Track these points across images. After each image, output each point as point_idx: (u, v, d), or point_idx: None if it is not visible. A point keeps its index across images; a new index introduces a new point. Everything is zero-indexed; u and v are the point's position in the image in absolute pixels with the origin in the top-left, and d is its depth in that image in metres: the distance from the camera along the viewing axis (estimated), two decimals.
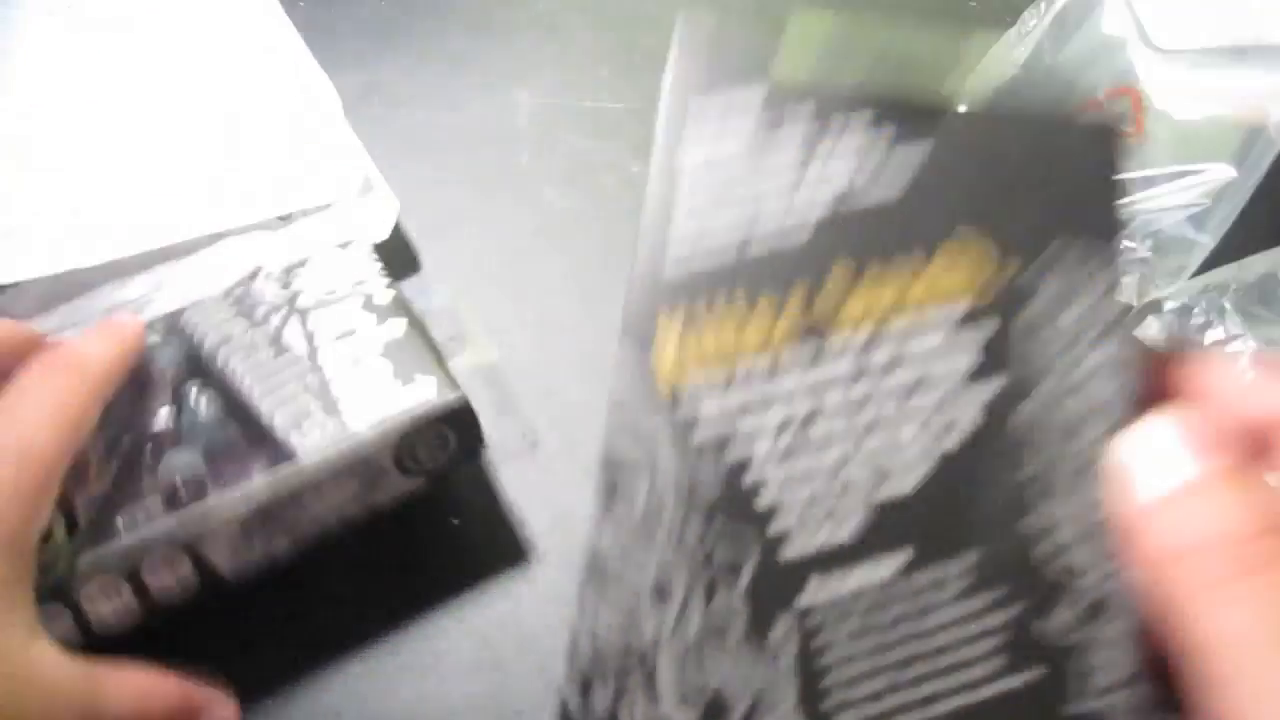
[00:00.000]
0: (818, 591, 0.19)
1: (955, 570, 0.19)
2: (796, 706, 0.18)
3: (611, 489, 0.20)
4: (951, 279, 0.20)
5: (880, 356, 0.20)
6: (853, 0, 0.34)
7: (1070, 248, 0.21)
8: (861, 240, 0.20)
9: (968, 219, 0.20)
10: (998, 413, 0.19)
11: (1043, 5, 0.50)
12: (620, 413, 0.21)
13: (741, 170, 0.21)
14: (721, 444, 0.20)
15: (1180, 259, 0.43)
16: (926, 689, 0.18)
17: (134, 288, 0.37)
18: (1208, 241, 0.43)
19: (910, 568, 0.19)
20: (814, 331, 0.20)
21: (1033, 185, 0.21)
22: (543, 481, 0.38)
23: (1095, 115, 0.25)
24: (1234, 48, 0.46)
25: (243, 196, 0.39)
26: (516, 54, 0.51)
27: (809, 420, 0.20)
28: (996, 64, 0.49)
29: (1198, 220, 0.43)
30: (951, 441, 0.19)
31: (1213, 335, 0.41)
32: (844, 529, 0.19)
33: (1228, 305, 0.42)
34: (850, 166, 0.21)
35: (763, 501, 0.19)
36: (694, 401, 0.20)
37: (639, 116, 0.49)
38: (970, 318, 0.20)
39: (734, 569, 0.19)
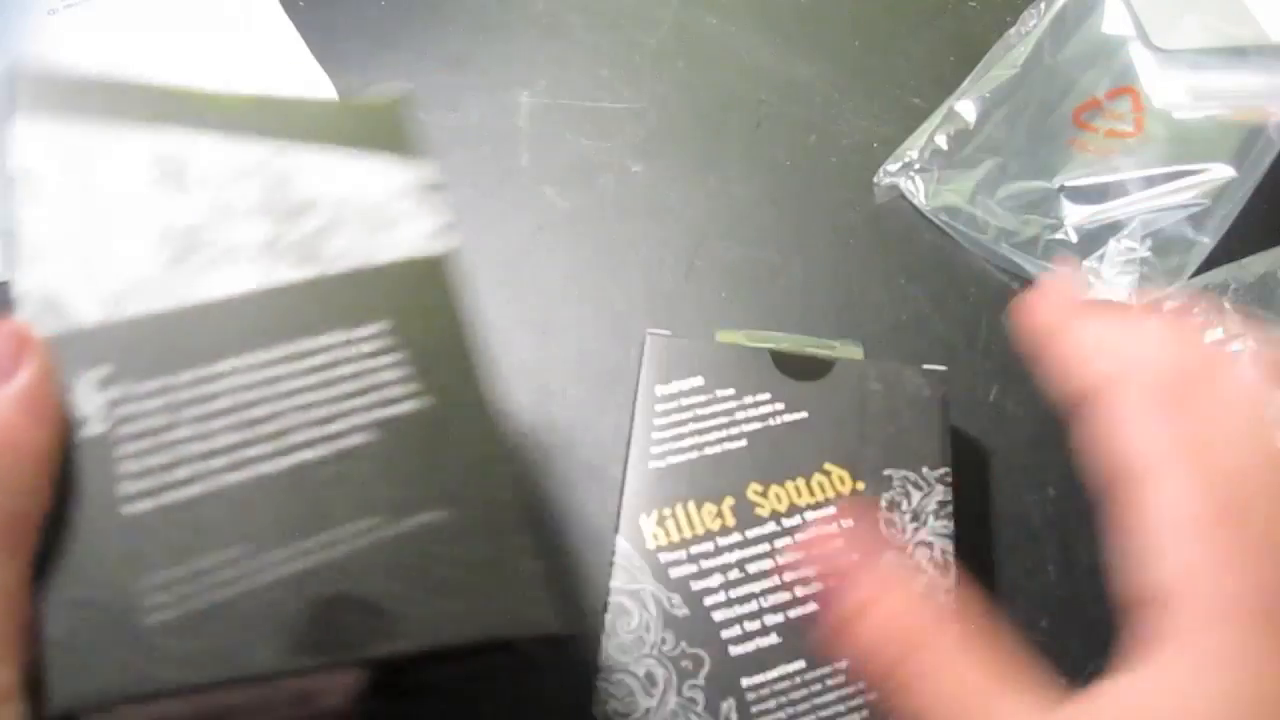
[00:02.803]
0: (752, 680, 0.29)
1: (838, 668, 0.30)
2: None
3: (616, 618, 0.30)
4: (821, 491, 0.32)
5: (785, 535, 0.32)
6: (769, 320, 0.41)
7: (900, 471, 0.33)
8: (766, 466, 0.33)
9: (830, 457, 0.33)
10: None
11: (1043, 5, 0.50)
12: (621, 574, 0.31)
13: (692, 417, 0.34)
14: (686, 584, 0.31)
15: (1180, 259, 0.43)
16: None
17: None
18: (1207, 241, 0.43)
19: (810, 665, 0.30)
20: (741, 518, 0.32)
21: (880, 423, 0.34)
22: (542, 482, 0.38)
23: (930, 367, 0.36)
24: (1234, 48, 0.46)
25: None
26: (516, 54, 0.51)
27: (742, 568, 0.31)
28: (997, 64, 0.49)
29: (1197, 220, 0.43)
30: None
31: (1212, 335, 0.41)
32: (769, 639, 0.30)
33: (1227, 305, 0.42)
34: (766, 409, 0.34)
35: (716, 619, 0.30)
36: (669, 558, 0.31)
37: (639, 116, 0.49)
38: (836, 515, 0.32)
39: (697, 664, 0.29)
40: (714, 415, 0.34)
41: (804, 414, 0.34)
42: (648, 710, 0.28)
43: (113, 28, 0.44)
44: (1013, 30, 0.50)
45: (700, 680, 0.29)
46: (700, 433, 0.33)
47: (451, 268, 0.29)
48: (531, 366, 0.40)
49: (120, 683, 0.20)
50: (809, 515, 0.32)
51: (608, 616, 0.30)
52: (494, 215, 0.45)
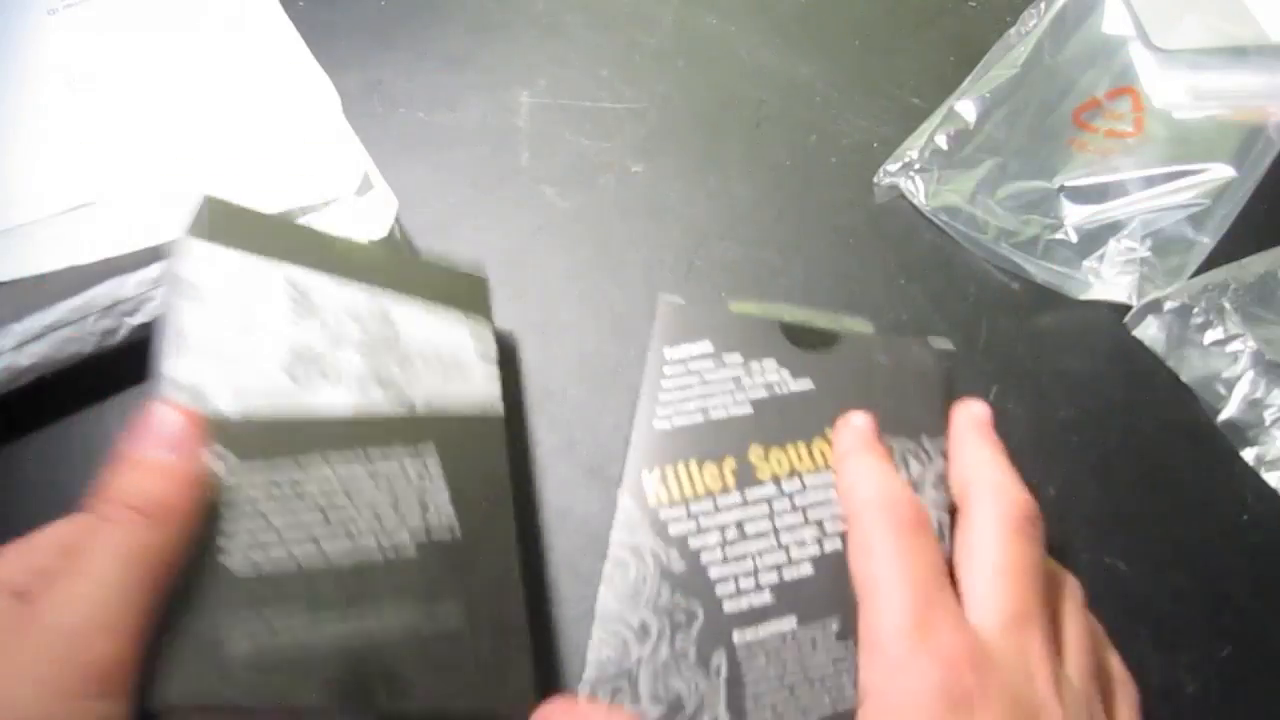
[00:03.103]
0: (744, 635, 0.30)
1: (828, 628, 0.30)
2: (726, 707, 0.28)
3: (614, 569, 0.30)
4: (822, 458, 0.32)
5: (783, 498, 0.32)
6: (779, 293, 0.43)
7: (901, 441, 0.33)
8: (768, 431, 0.33)
9: (832, 425, 0.33)
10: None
11: (1043, 5, 0.50)
12: (621, 528, 0.31)
13: (699, 380, 0.34)
14: (685, 540, 0.31)
15: (1180, 259, 0.43)
16: (806, 704, 0.29)
17: (132, 285, 0.37)
18: (1207, 241, 0.43)
19: (801, 623, 0.30)
20: (742, 479, 0.32)
21: (885, 395, 0.34)
22: (542, 481, 0.38)
23: (938, 342, 0.36)
24: (1234, 48, 0.46)
25: (241, 194, 0.39)
26: (516, 54, 0.51)
27: (739, 528, 0.31)
28: (997, 64, 0.49)
29: (1197, 220, 0.43)
30: (830, 545, 0.31)
31: (1212, 335, 0.42)
32: (762, 596, 0.30)
33: (1227, 305, 0.42)
34: (772, 377, 0.34)
35: (711, 575, 0.30)
36: (669, 514, 0.31)
37: (639, 116, 0.49)
38: (834, 482, 0.32)
39: (690, 618, 0.30)
40: (721, 380, 0.34)
41: (809, 383, 0.34)
42: (639, 660, 0.29)
43: (112, 27, 0.44)
44: (1013, 30, 0.50)
45: (693, 633, 0.30)
46: (706, 396, 0.34)
47: (502, 428, 0.34)
48: (532, 366, 0.40)
49: (197, 692, 0.25)
50: (809, 480, 0.32)
51: (605, 567, 0.30)
52: (494, 215, 0.45)
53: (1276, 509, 0.38)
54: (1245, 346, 0.41)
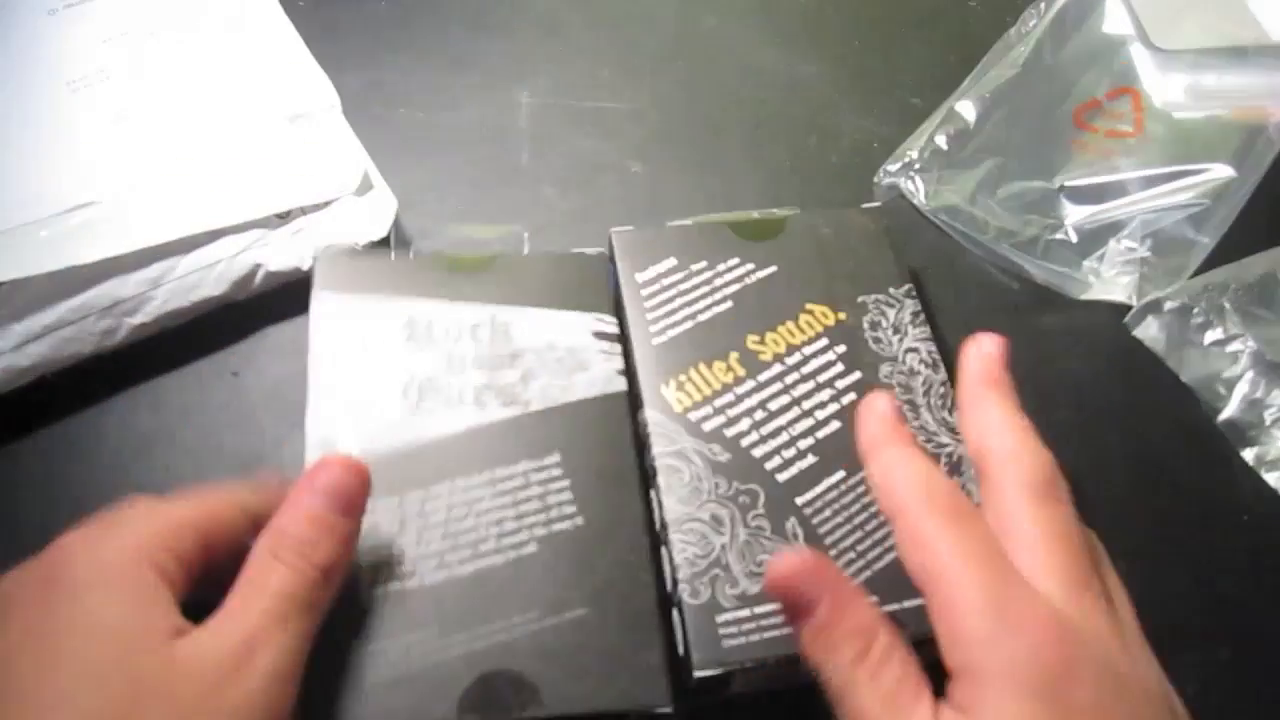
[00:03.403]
0: (804, 497, 0.33)
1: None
2: None
3: (669, 477, 0.33)
4: (811, 328, 0.36)
5: (792, 371, 0.35)
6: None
7: (870, 296, 0.38)
8: (756, 319, 0.36)
9: (808, 298, 0.37)
10: (860, 383, 0.35)
11: (1043, 5, 0.50)
12: (659, 440, 0.33)
13: (677, 292, 0.37)
14: (720, 433, 0.34)
15: (1180, 259, 0.43)
16: (879, 536, 0.32)
17: (132, 285, 0.37)
18: (1207, 241, 0.43)
19: (849, 472, 0.33)
20: (749, 366, 0.35)
21: (841, 261, 0.38)
22: None
23: (869, 206, 0.40)
24: (1234, 48, 0.46)
25: (241, 194, 0.39)
26: (516, 54, 0.51)
27: (764, 408, 0.34)
28: (997, 64, 0.49)
29: (1197, 220, 0.43)
30: (846, 398, 0.35)
31: (1212, 335, 0.42)
32: (807, 460, 0.33)
33: (1227, 305, 0.42)
34: (739, 271, 0.37)
35: (756, 455, 0.33)
36: (697, 415, 0.34)
37: (639, 116, 0.49)
38: (829, 344, 0.36)
39: (753, 497, 0.32)
40: (695, 287, 0.37)
41: (774, 268, 0.38)
42: (723, 546, 0.31)
43: (112, 27, 0.44)
44: (1013, 30, 0.50)
45: (761, 509, 0.32)
46: (689, 304, 0.37)
47: (624, 403, 0.35)
48: None
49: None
50: (805, 350, 0.36)
51: (660, 479, 0.33)
52: (494, 215, 0.45)
53: (1276, 509, 0.38)
54: (1245, 346, 0.41)
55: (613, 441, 0.34)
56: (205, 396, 0.39)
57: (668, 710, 0.29)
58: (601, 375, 0.35)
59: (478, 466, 0.32)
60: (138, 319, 0.38)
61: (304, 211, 0.40)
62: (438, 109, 0.48)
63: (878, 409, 0.30)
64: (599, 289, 0.37)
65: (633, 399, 0.35)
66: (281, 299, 0.39)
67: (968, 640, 0.24)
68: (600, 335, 0.36)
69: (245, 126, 0.41)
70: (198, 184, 0.39)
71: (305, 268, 0.39)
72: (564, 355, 0.35)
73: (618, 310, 0.37)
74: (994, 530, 0.27)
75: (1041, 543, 0.26)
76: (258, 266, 0.39)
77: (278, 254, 0.39)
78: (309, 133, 0.42)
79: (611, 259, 0.38)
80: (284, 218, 0.39)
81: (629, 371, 0.35)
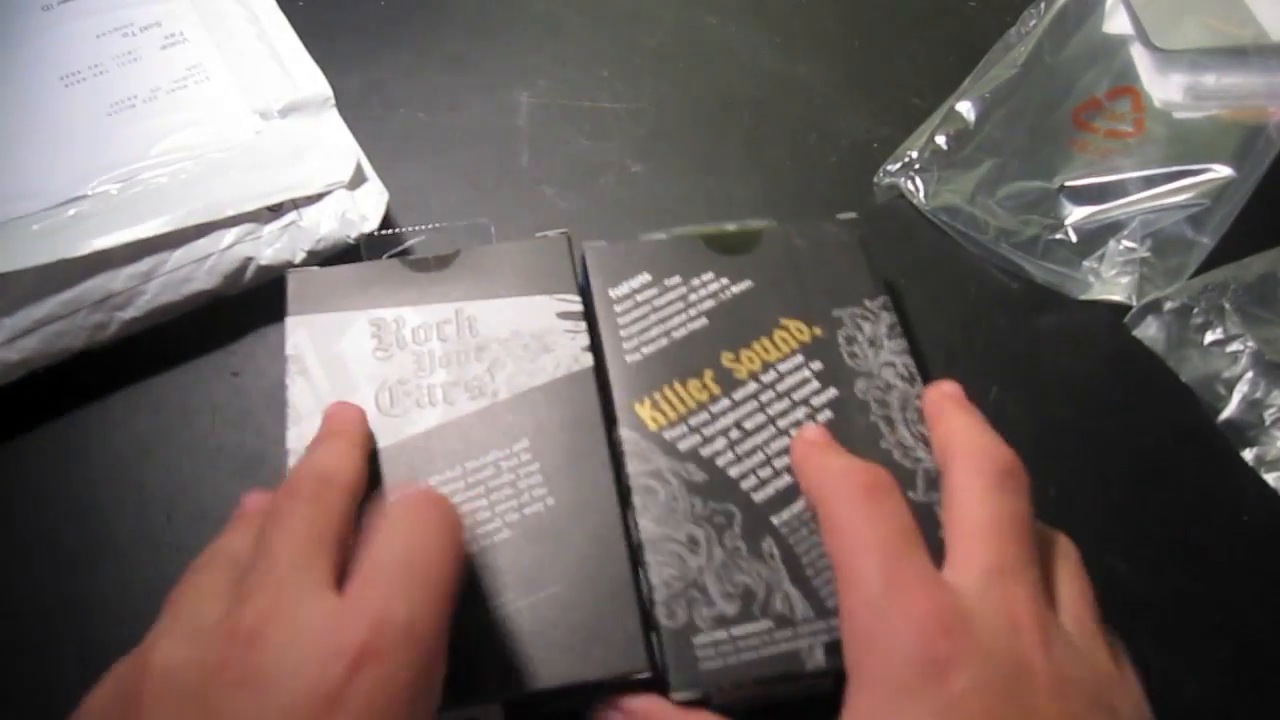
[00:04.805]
0: (780, 517, 0.32)
1: None
2: (791, 582, 0.31)
3: (644, 497, 0.32)
4: (786, 345, 0.36)
5: (767, 389, 0.35)
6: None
7: (846, 310, 0.37)
8: (731, 335, 0.36)
9: (783, 313, 0.36)
10: (836, 400, 0.35)
11: (1043, 5, 0.50)
12: (634, 460, 0.33)
13: (650, 309, 0.36)
14: (696, 452, 0.33)
15: (1180, 259, 0.43)
16: None
17: (123, 279, 0.37)
18: (1207, 241, 0.43)
19: None
20: (724, 384, 0.35)
21: (816, 274, 0.38)
22: None
23: (843, 216, 0.40)
24: (1234, 48, 0.46)
25: (233, 187, 0.39)
26: (516, 54, 0.51)
27: (739, 426, 0.34)
28: (997, 64, 0.49)
29: (1197, 220, 0.43)
30: (822, 416, 0.34)
31: (1212, 335, 0.42)
32: (783, 479, 0.33)
33: (1227, 305, 0.42)
34: (714, 286, 0.37)
35: (732, 475, 0.33)
36: (672, 434, 0.34)
37: (639, 116, 0.49)
38: (804, 361, 0.35)
39: (729, 518, 0.32)
40: (670, 303, 0.37)
41: (749, 282, 0.37)
42: (699, 568, 0.31)
43: (107, 24, 0.44)
44: (1013, 30, 0.50)
45: (737, 530, 0.32)
46: (663, 320, 0.36)
47: (591, 379, 0.35)
48: None
49: None
50: (781, 367, 0.35)
51: (635, 499, 0.32)
52: (494, 215, 0.45)
53: (1276, 509, 0.38)
54: (1245, 346, 0.41)
55: (580, 418, 0.34)
56: (205, 396, 0.39)
57: (646, 675, 0.29)
58: (568, 355, 0.35)
59: (449, 462, 0.33)
60: (129, 313, 0.38)
61: (296, 205, 0.40)
62: (437, 109, 0.48)
63: (806, 436, 0.32)
64: (561, 269, 0.37)
65: (608, 417, 0.34)
66: (281, 299, 0.39)
67: (855, 632, 0.25)
68: (564, 315, 0.36)
69: (237, 120, 0.41)
70: (189, 178, 0.39)
71: (297, 261, 0.39)
72: (529, 341, 0.35)
73: (590, 327, 0.36)
74: (943, 518, 0.28)
75: (975, 528, 0.26)
76: (249, 260, 0.39)
77: (269, 248, 0.39)
78: (301, 125, 0.42)
79: (585, 274, 0.37)
80: (276, 211, 0.39)
81: (602, 386, 0.35)
